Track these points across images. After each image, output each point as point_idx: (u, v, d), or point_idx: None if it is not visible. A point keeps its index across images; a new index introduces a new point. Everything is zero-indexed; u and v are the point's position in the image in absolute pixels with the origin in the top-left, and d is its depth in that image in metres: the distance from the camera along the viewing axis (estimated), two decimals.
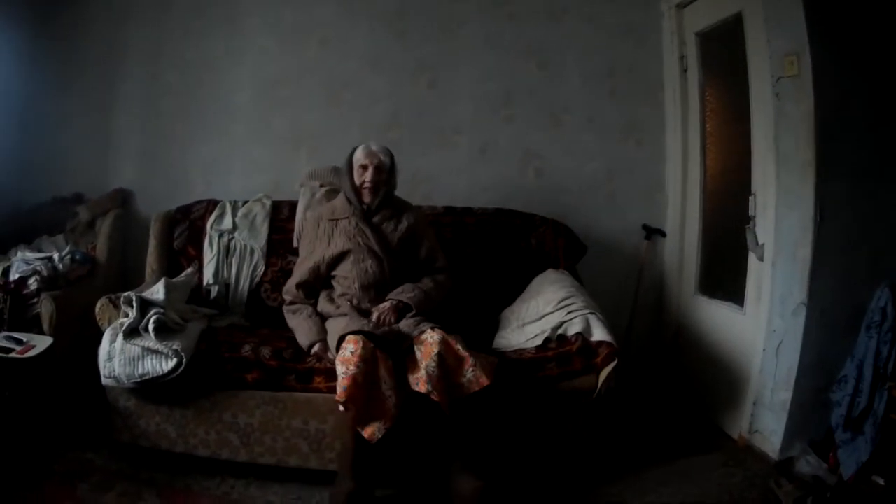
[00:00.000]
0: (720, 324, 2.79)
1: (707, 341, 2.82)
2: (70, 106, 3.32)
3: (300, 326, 2.38)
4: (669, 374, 3.09)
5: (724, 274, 2.84)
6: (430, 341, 2.09)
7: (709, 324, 2.86)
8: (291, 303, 2.49)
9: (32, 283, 2.62)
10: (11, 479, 2.28)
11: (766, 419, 2.53)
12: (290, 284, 2.51)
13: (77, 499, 2.24)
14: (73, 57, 3.30)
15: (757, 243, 2.51)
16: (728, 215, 2.80)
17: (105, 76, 3.31)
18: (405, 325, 2.21)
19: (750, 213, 2.54)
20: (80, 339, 2.65)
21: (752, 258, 2.57)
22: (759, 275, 2.54)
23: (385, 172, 2.39)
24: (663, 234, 3.16)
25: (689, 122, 3.04)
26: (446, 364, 2.06)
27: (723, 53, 2.82)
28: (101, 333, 2.38)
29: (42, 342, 2.45)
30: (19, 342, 2.43)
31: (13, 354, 2.37)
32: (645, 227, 3.16)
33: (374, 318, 2.31)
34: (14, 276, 2.65)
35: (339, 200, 2.51)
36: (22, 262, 2.69)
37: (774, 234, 2.46)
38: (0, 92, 3.17)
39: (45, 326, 2.57)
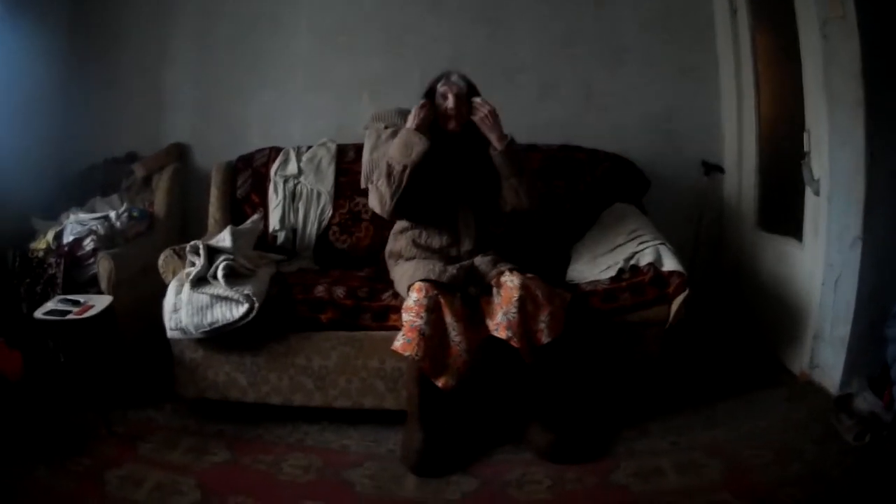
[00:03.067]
0: (779, 258, 2.80)
1: (767, 276, 2.83)
2: (119, 65, 3.31)
3: (393, 143, 2.28)
4: (732, 308, 3.10)
5: (782, 209, 2.85)
6: (510, 285, 2.07)
7: (769, 258, 2.87)
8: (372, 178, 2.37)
9: (88, 244, 2.60)
10: (69, 443, 2.26)
11: (826, 354, 2.54)
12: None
13: (139, 459, 2.21)
14: (121, 15, 3.28)
15: (813, 178, 2.53)
16: (784, 151, 2.81)
17: (154, 32, 3.30)
18: (481, 263, 2.19)
19: (805, 149, 2.56)
20: (140, 297, 2.64)
21: (808, 193, 2.58)
22: (815, 209, 2.55)
23: (465, 99, 2.34)
24: (722, 171, 3.18)
25: (742, 63, 3.06)
26: (525, 310, 2.04)
27: None
28: (164, 289, 2.35)
29: (101, 301, 2.43)
30: (76, 304, 2.41)
31: (70, 316, 2.35)
32: (704, 163, 3.18)
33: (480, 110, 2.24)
34: (68, 238, 2.63)
35: (397, 116, 2.49)
36: (76, 223, 2.67)
37: (829, 169, 2.47)
38: (44, 54, 3.14)
39: (104, 285, 2.55)
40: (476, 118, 2.27)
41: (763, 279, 2.86)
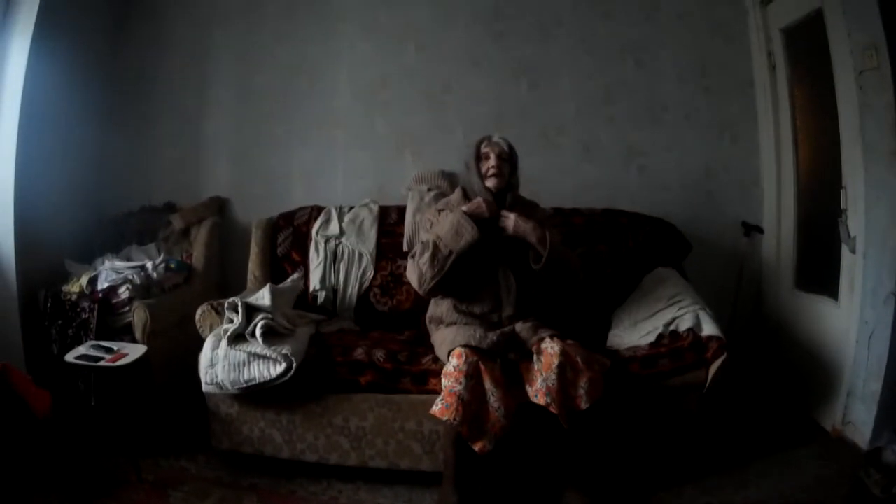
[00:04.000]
0: (816, 317, 2.80)
1: (803, 335, 2.83)
2: (158, 112, 3.32)
3: (443, 223, 2.27)
4: (768, 367, 3.09)
5: (819, 267, 2.85)
6: (550, 352, 2.07)
7: (805, 318, 2.87)
8: (415, 253, 2.34)
9: (123, 292, 2.60)
10: (97, 486, 2.26)
11: (858, 410, 2.54)
12: (416, 248, 2.39)
13: None
14: (158, 63, 3.30)
15: (849, 235, 2.53)
16: (822, 209, 2.81)
17: (192, 82, 3.32)
18: (522, 329, 2.19)
19: (842, 207, 2.56)
20: (175, 347, 2.65)
21: (845, 251, 2.58)
22: (851, 267, 2.55)
23: (508, 161, 2.35)
24: (761, 231, 3.17)
25: (781, 118, 3.05)
26: (565, 376, 2.04)
27: (807, 49, 2.83)
28: (197, 342, 2.37)
29: (135, 350, 2.43)
30: (109, 350, 2.42)
31: (102, 363, 2.36)
32: (744, 223, 3.17)
33: (507, 223, 2.25)
34: (103, 284, 2.63)
35: (456, 195, 2.44)
36: (111, 270, 2.67)
37: (865, 225, 2.48)
38: (83, 97, 3.16)
39: (139, 335, 2.56)
40: (510, 230, 2.26)
41: (799, 338, 2.86)
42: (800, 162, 2.99)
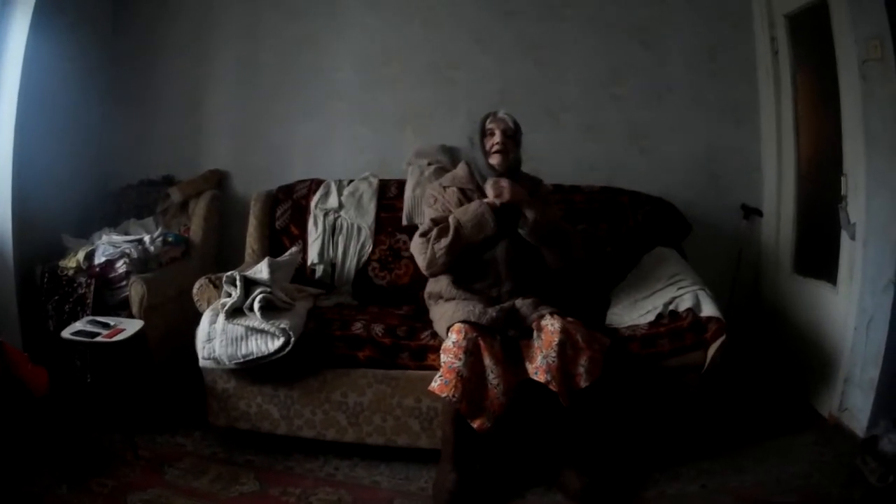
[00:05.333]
0: (814, 302, 2.80)
1: (802, 320, 2.83)
2: (159, 86, 3.30)
3: (466, 211, 2.24)
4: (766, 351, 3.09)
5: (818, 253, 2.85)
6: (550, 329, 2.06)
7: (803, 302, 2.87)
8: (428, 231, 2.29)
9: (121, 266, 2.58)
10: (94, 463, 2.25)
11: (855, 397, 2.54)
12: (424, 224, 2.35)
13: (165, 484, 2.20)
14: (163, 35, 3.27)
15: (849, 222, 2.53)
16: (822, 195, 2.81)
17: (196, 54, 3.29)
18: (522, 305, 2.18)
19: (842, 193, 2.56)
20: (172, 322, 2.63)
21: (844, 237, 2.57)
22: (851, 254, 2.55)
23: (512, 138, 2.35)
24: (760, 214, 3.17)
25: (782, 104, 3.05)
26: (565, 354, 2.03)
27: (811, 36, 2.83)
28: (195, 317, 2.36)
29: (132, 325, 2.42)
30: (106, 326, 2.40)
31: (99, 339, 2.35)
32: (744, 206, 3.17)
33: (489, 190, 2.24)
34: (100, 259, 2.61)
35: (461, 170, 2.43)
36: (108, 244, 2.65)
37: (865, 213, 2.48)
38: (83, 70, 3.13)
39: (135, 309, 2.54)
40: (501, 198, 2.24)
41: (797, 323, 2.86)
42: (801, 147, 2.99)
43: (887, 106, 2.40)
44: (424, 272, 2.32)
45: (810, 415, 2.69)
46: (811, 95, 2.94)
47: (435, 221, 2.29)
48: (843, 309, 2.58)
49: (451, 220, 2.26)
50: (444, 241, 2.22)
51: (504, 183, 2.25)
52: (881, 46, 2.41)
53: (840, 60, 2.59)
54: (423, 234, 2.29)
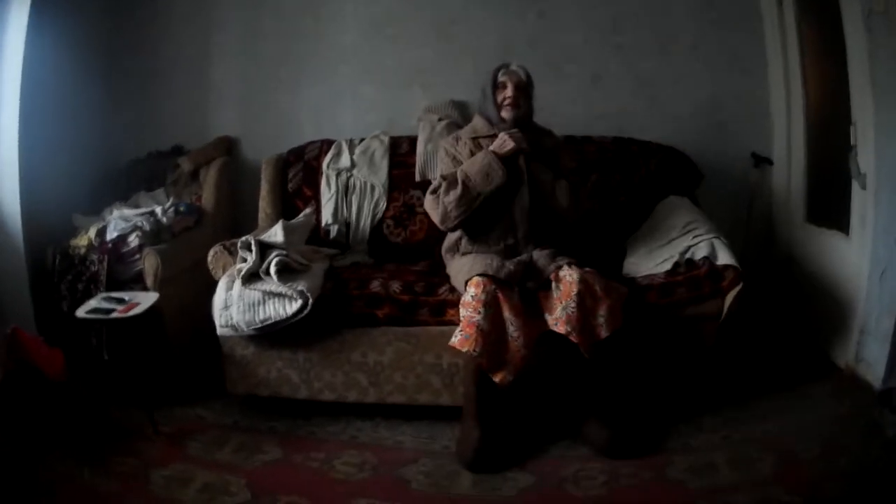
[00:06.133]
0: (827, 252, 2.79)
1: (815, 269, 2.82)
2: (163, 57, 3.29)
3: (472, 163, 2.25)
4: (782, 301, 3.09)
5: (830, 202, 2.84)
6: (568, 280, 2.06)
7: (817, 252, 2.86)
8: (437, 188, 2.30)
9: (133, 240, 2.57)
10: (114, 442, 2.24)
11: (871, 348, 2.53)
12: (435, 181, 2.36)
13: (187, 458, 2.19)
14: (162, 9, 3.27)
15: (860, 172, 2.53)
16: (832, 143, 2.80)
17: (198, 23, 3.28)
18: (539, 257, 2.18)
19: (851, 143, 2.56)
20: (188, 293, 2.62)
21: (855, 186, 2.57)
22: (862, 203, 2.54)
23: (524, 90, 2.35)
24: (770, 163, 3.16)
25: (789, 54, 3.04)
26: (584, 304, 2.03)
27: None
28: (210, 287, 2.34)
29: (147, 299, 2.41)
30: (120, 301, 2.39)
31: (114, 315, 2.33)
32: (754, 154, 3.16)
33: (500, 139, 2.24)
34: (112, 234, 2.60)
35: (478, 121, 2.43)
36: (120, 219, 2.64)
37: (875, 163, 2.47)
38: (86, 45, 3.12)
39: (150, 282, 2.53)
40: (502, 149, 2.26)
41: (811, 272, 2.85)
42: (809, 96, 2.99)
43: (894, 59, 2.40)
44: (441, 227, 2.32)
45: (826, 364, 2.69)
46: (817, 47, 2.93)
47: (444, 177, 2.30)
48: (857, 258, 2.57)
49: (458, 172, 2.26)
50: (454, 194, 2.22)
51: (505, 136, 2.25)
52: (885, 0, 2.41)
53: (845, 13, 2.59)
54: (434, 191, 2.30)
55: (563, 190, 2.30)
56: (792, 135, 3.12)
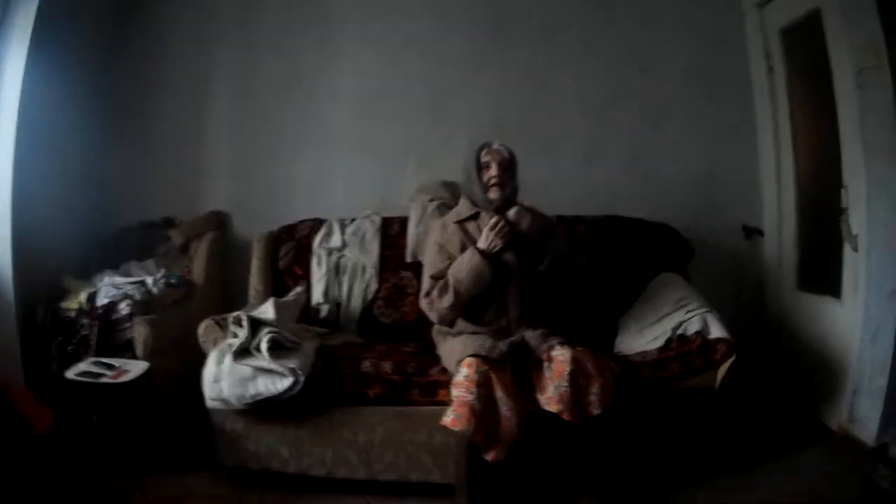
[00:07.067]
0: (819, 317, 2.81)
1: (807, 335, 2.83)
2: (156, 126, 3.29)
3: (461, 267, 2.24)
4: (771, 369, 3.10)
5: (822, 268, 2.86)
6: (560, 359, 2.05)
7: (808, 318, 2.88)
8: (429, 291, 2.33)
9: (124, 308, 2.56)
10: None
11: (864, 406, 2.55)
12: (425, 283, 2.39)
13: None
14: (156, 76, 3.27)
15: (851, 234, 2.54)
16: (822, 210, 2.82)
17: (192, 98, 3.29)
18: (532, 338, 2.17)
19: (843, 206, 2.57)
20: (177, 364, 2.60)
21: (847, 249, 2.59)
22: (854, 265, 2.56)
23: (508, 169, 2.34)
24: (761, 234, 3.18)
25: (780, 120, 3.06)
26: (577, 383, 2.02)
27: (805, 49, 2.84)
28: (200, 358, 2.33)
29: (137, 367, 2.40)
30: (110, 367, 2.38)
31: (104, 379, 2.32)
32: (744, 227, 3.18)
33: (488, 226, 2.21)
34: (103, 300, 2.59)
35: (463, 205, 2.43)
36: (110, 286, 2.63)
37: (867, 223, 2.49)
38: (82, 111, 3.12)
39: (139, 351, 2.52)
40: (524, 227, 2.25)
41: (803, 338, 2.87)
42: (800, 163, 3.01)
43: (884, 113, 2.40)
44: (438, 325, 2.34)
45: (819, 428, 2.70)
46: (808, 109, 2.95)
47: (434, 278, 2.31)
48: (849, 321, 2.59)
49: (449, 277, 2.27)
50: (447, 300, 2.26)
51: (491, 235, 2.22)
52: (876, 53, 2.41)
53: (836, 70, 2.61)
54: (427, 295, 2.32)
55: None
56: (783, 203, 3.13)
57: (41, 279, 2.80)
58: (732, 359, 2.19)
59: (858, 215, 2.52)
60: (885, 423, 2.48)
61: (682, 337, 2.27)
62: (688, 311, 2.28)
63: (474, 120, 3.14)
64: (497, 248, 2.23)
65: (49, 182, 2.89)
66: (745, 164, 3.18)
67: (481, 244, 2.24)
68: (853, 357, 2.56)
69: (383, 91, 3.23)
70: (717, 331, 2.23)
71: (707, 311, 2.28)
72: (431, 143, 3.20)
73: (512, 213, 2.26)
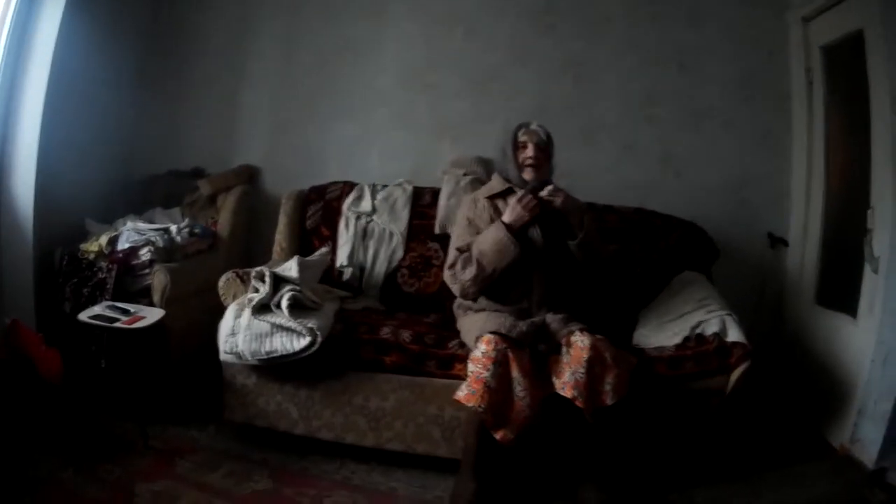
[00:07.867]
0: (834, 334, 2.81)
1: (820, 350, 2.84)
2: (195, 77, 3.29)
3: (485, 239, 2.21)
4: (783, 379, 3.10)
5: (841, 285, 2.85)
6: (580, 346, 2.05)
7: (823, 333, 2.88)
8: (454, 263, 2.29)
9: (145, 254, 2.56)
10: (102, 449, 2.24)
11: (867, 429, 2.55)
12: (451, 254, 2.35)
13: (176, 476, 2.19)
14: (200, 32, 3.27)
15: (873, 256, 2.54)
16: (848, 228, 2.82)
17: (235, 50, 3.29)
18: (553, 321, 2.17)
19: (868, 226, 2.58)
20: (193, 314, 2.61)
21: (867, 270, 2.59)
22: (872, 287, 2.56)
23: (544, 150, 2.33)
24: (786, 244, 3.18)
25: (815, 133, 3.06)
26: (593, 371, 2.02)
27: (845, 68, 2.84)
28: (217, 312, 2.33)
29: (152, 314, 2.40)
30: (125, 312, 2.38)
31: (118, 324, 2.32)
32: (770, 235, 3.18)
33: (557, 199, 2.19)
34: (124, 245, 2.58)
35: (496, 181, 2.41)
36: (133, 231, 2.62)
37: (889, 247, 2.49)
38: (119, 56, 3.13)
39: (157, 298, 2.52)
40: (557, 203, 2.23)
41: (816, 353, 2.87)
42: (830, 178, 3.01)
43: None
44: (460, 297, 2.32)
45: (821, 444, 2.70)
46: (843, 127, 2.95)
47: (460, 250, 2.29)
48: (862, 341, 2.59)
49: (473, 249, 2.24)
50: (470, 272, 2.22)
51: (518, 207, 2.21)
52: None
53: (873, 93, 2.61)
54: (451, 266, 2.29)
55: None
56: (810, 216, 3.12)
57: (63, 221, 2.81)
58: (747, 364, 2.19)
59: (882, 238, 2.52)
60: (887, 447, 2.49)
61: (700, 337, 2.27)
62: (708, 311, 2.28)
63: (514, 102, 3.14)
64: (523, 220, 2.20)
65: (79, 128, 2.90)
66: (778, 173, 3.18)
67: (507, 217, 2.22)
68: (862, 378, 2.56)
69: (427, 64, 3.23)
70: (734, 334, 2.23)
71: (727, 314, 2.28)
72: (469, 120, 3.20)
73: (546, 190, 2.22)
